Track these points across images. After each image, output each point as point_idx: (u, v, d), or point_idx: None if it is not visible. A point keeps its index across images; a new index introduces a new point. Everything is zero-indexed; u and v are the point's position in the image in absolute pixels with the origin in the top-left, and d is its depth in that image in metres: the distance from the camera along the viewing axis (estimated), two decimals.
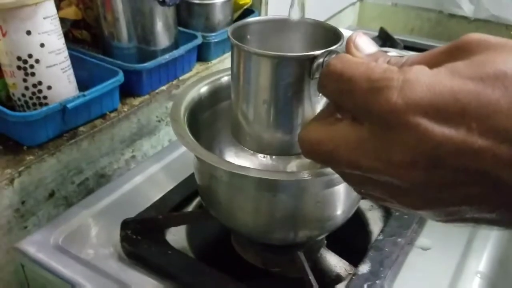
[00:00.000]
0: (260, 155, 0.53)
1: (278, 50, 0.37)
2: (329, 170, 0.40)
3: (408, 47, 0.95)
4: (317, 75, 0.34)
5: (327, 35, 0.38)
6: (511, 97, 0.20)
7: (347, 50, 0.29)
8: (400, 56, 0.27)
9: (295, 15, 0.38)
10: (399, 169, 0.23)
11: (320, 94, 0.35)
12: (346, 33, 0.33)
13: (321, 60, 0.33)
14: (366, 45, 0.29)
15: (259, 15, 0.92)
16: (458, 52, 0.23)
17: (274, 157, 0.54)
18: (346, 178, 0.28)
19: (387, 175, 0.23)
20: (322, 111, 0.31)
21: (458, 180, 0.22)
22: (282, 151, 0.39)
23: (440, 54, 0.25)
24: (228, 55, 0.88)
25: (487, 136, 0.20)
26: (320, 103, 0.37)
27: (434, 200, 0.23)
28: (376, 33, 0.98)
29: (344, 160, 0.25)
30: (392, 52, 0.85)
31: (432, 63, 0.24)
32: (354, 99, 0.24)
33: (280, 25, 0.40)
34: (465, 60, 0.22)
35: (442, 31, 1.16)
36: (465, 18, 1.14)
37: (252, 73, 0.36)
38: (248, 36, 0.40)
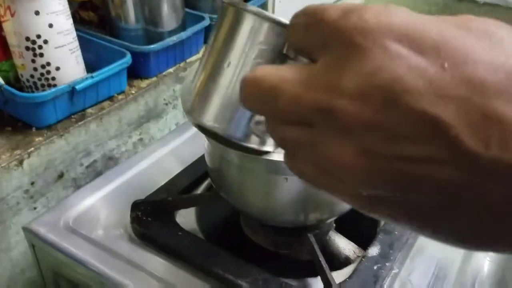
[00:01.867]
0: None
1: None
2: None
3: None
4: (290, 54, 0.30)
5: None
6: (495, 53, 0.17)
7: None
8: None
9: None
10: (345, 100, 0.18)
11: None
12: None
13: None
14: None
15: None
16: None
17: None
18: (277, 131, 0.22)
19: (328, 108, 0.19)
20: None
21: (409, 133, 0.17)
22: (244, 136, 0.31)
23: None
24: None
25: (458, 83, 0.17)
26: None
27: (374, 155, 0.18)
28: None
29: (285, 97, 0.21)
30: None
31: None
32: (320, 27, 0.21)
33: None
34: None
35: None
36: (474, 2, 1.13)
37: (230, 29, 0.31)
38: None
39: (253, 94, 0.23)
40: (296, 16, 0.23)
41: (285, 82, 0.21)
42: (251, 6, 0.30)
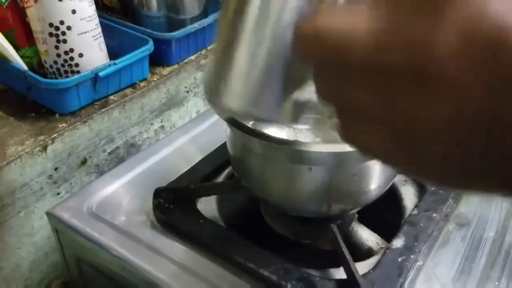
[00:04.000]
0: (295, 126, 0.52)
1: None
2: None
3: None
4: None
5: None
6: None
7: None
8: None
9: None
10: (444, 53, 0.15)
11: None
12: None
13: None
14: None
15: None
16: None
17: (305, 128, 0.53)
18: (343, 93, 0.19)
19: (421, 64, 0.15)
20: None
21: None
22: (271, 114, 0.27)
23: None
24: None
25: None
26: None
27: (472, 120, 0.15)
28: None
29: (357, 50, 0.17)
30: None
31: None
32: None
33: None
34: None
35: None
36: None
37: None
38: None
39: (315, 45, 0.19)
40: None
41: (359, 30, 0.17)
42: None
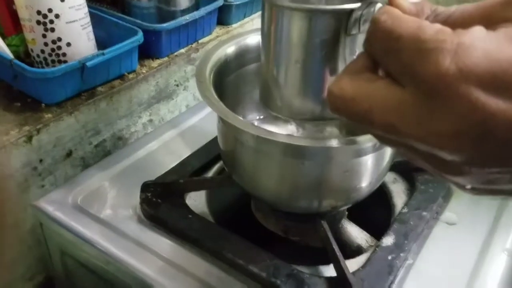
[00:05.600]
0: (288, 122, 0.52)
1: (313, 3, 0.35)
2: (360, 139, 0.39)
3: None
4: (354, 31, 0.32)
5: None
6: None
7: (391, 1, 0.26)
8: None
9: None
10: (442, 139, 0.21)
11: (356, 54, 0.33)
12: None
13: (359, 13, 0.31)
14: None
15: None
16: None
17: (300, 125, 0.53)
18: (382, 140, 0.26)
19: (428, 144, 0.22)
20: (354, 62, 0.27)
21: (507, 155, 0.20)
22: (314, 115, 0.37)
23: (495, 5, 0.23)
24: (249, 19, 0.85)
25: None
26: None
27: (479, 171, 0.22)
28: None
29: (379, 122, 0.23)
30: None
31: (486, 17, 0.22)
32: (401, 59, 0.22)
33: None
34: None
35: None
36: None
37: (284, 30, 0.34)
38: None
39: (344, 113, 0.25)
40: (373, 34, 0.24)
41: (376, 108, 0.23)
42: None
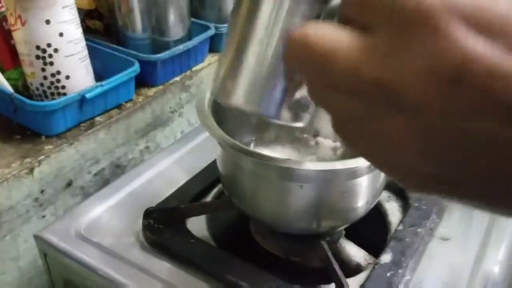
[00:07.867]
0: (284, 146, 0.53)
1: None
2: (357, 161, 0.41)
3: None
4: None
5: None
6: None
7: None
8: None
9: None
10: (412, 78, 0.18)
11: None
12: None
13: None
14: None
15: None
16: None
17: (296, 148, 0.54)
18: (325, 97, 0.22)
19: (392, 86, 0.18)
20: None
21: (476, 109, 0.17)
22: (274, 112, 0.30)
23: None
24: None
25: None
26: None
27: (438, 134, 0.18)
28: None
29: (342, 65, 0.20)
30: None
31: None
32: (380, 2, 0.19)
33: None
34: None
35: None
36: None
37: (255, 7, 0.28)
38: None
39: (302, 56, 0.21)
40: None
41: (341, 48, 0.20)
42: None
